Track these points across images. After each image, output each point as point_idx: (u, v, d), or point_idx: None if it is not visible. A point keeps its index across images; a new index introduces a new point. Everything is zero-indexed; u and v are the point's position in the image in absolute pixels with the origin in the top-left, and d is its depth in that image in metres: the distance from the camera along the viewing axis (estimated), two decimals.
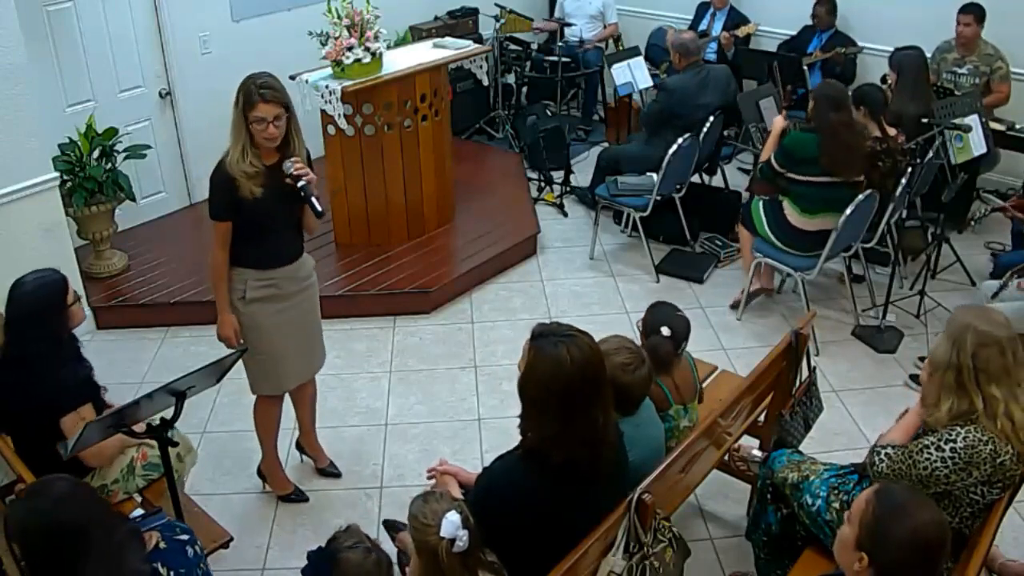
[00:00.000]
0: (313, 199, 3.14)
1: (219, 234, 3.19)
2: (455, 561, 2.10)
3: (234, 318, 3.30)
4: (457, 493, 2.57)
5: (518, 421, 2.32)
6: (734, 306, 5.00)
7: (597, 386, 2.23)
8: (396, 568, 2.20)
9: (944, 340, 2.51)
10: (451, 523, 2.09)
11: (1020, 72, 5.76)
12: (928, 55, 5.64)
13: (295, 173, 3.09)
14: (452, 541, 2.08)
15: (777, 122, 4.73)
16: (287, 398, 3.64)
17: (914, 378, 4.28)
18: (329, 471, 3.86)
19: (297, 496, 3.71)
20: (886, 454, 2.56)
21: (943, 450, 2.46)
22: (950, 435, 2.47)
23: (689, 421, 3.07)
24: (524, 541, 2.29)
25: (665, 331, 2.99)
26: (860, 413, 4.13)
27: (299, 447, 3.91)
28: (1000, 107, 5.67)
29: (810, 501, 2.79)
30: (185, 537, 2.30)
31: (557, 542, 2.29)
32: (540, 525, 2.28)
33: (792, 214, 4.59)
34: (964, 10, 5.58)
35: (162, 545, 2.22)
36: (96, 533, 1.98)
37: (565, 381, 2.17)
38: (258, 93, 3.01)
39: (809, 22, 6.54)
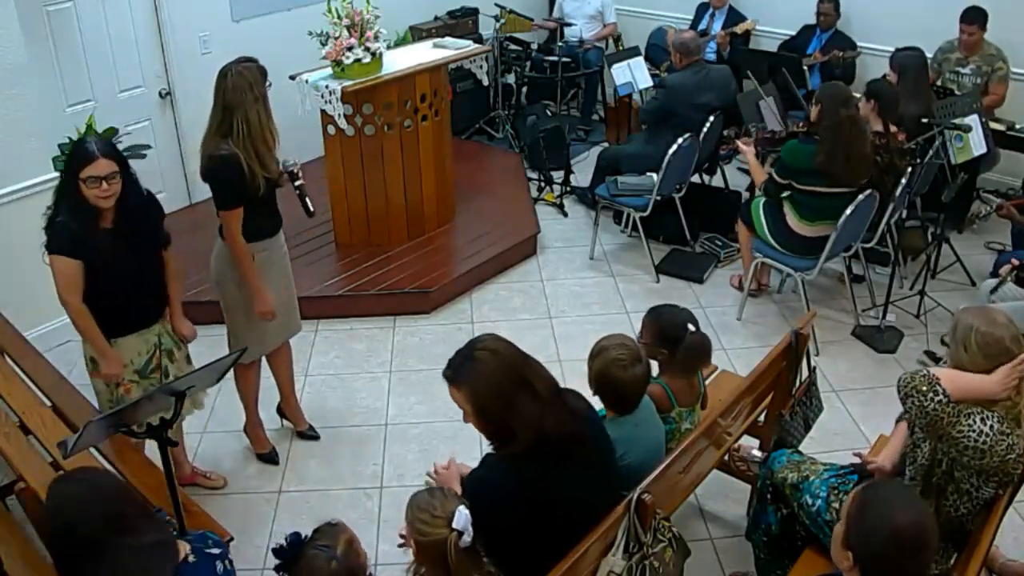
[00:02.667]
0: (307, 199, 3.45)
1: (236, 220, 3.35)
2: (463, 556, 2.10)
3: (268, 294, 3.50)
4: (458, 490, 2.57)
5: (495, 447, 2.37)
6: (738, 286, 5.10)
7: (522, 360, 2.32)
8: None
9: (952, 344, 2.57)
10: (464, 515, 2.09)
11: (1015, 71, 5.76)
12: (929, 55, 5.64)
13: (296, 171, 3.40)
14: (461, 534, 2.08)
15: (746, 150, 4.86)
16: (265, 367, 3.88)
17: None
18: (309, 434, 4.05)
19: (271, 457, 3.92)
20: (939, 401, 2.45)
21: (986, 423, 2.44)
22: (993, 414, 2.47)
23: (691, 424, 3.07)
24: (520, 538, 2.28)
25: (691, 327, 2.99)
26: (860, 413, 4.13)
27: (280, 412, 4.07)
28: (996, 108, 5.67)
29: (810, 501, 2.80)
30: (217, 551, 2.22)
31: (553, 533, 2.29)
32: (533, 517, 2.27)
33: (792, 219, 4.59)
34: (968, 20, 5.56)
35: (191, 559, 2.14)
36: (114, 540, 1.93)
37: (512, 364, 2.26)
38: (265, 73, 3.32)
39: (809, 22, 6.54)
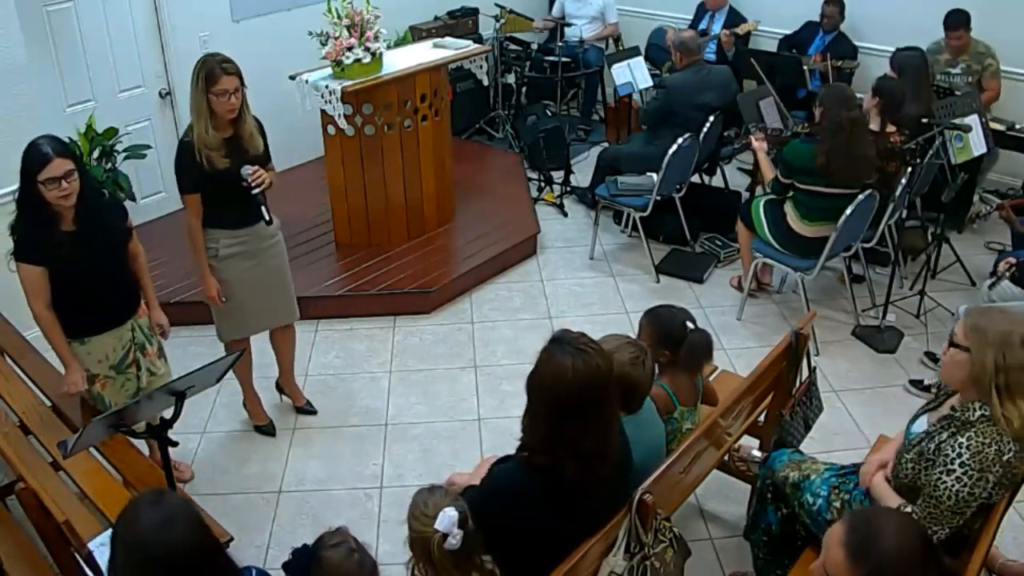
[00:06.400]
0: (263, 209, 3.49)
1: (192, 205, 3.52)
2: (446, 557, 2.09)
3: (215, 280, 3.61)
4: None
5: (520, 417, 2.31)
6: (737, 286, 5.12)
7: (595, 404, 2.18)
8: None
9: (986, 350, 2.40)
10: (448, 517, 2.07)
11: (1014, 71, 5.76)
12: None
13: (251, 182, 3.44)
14: (445, 536, 2.07)
15: (757, 146, 4.88)
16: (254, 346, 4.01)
17: (914, 382, 4.27)
18: (306, 409, 4.21)
19: (269, 429, 4.08)
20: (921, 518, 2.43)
21: (953, 471, 2.40)
22: (950, 453, 2.43)
23: (692, 423, 3.07)
24: (525, 545, 2.28)
25: (690, 325, 2.99)
26: (860, 413, 4.13)
27: (279, 388, 4.23)
28: (993, 104, 5.67)
29: (811, 500, 2.79)
30: None
31: (556, 549, 2.28)
32: (540, 531, 2.27)
33: (793, 219, 4.59)
34: (952, 26, 5.58)
35: None
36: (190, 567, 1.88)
37: (564, 391, 2.14)
38: (220, 67, 3.33)
39: (811, 18, 6.53)
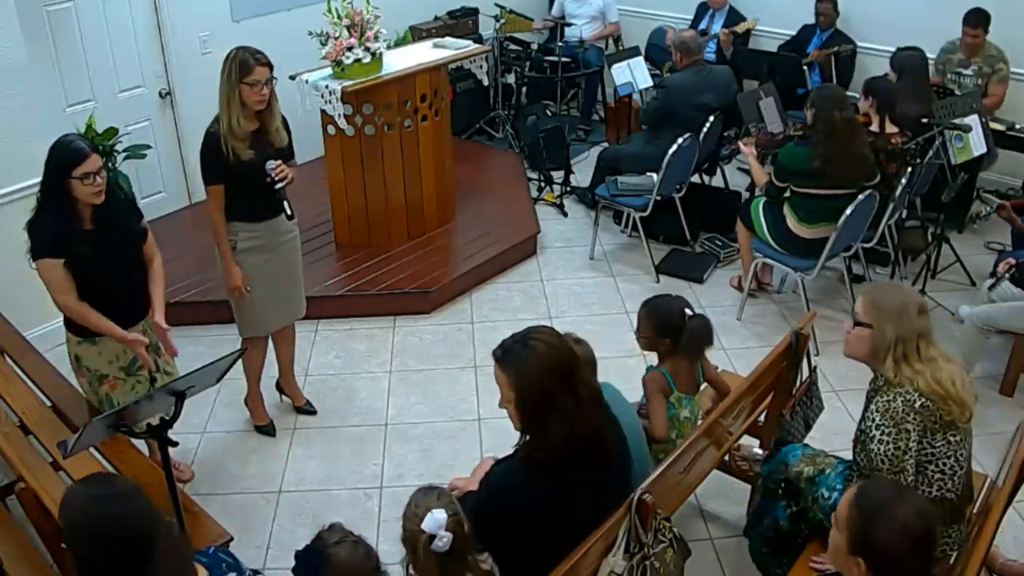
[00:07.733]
0: (285, 203, 3.51)
1: (215, 197, 3.53)
2: (431, 559, 2.09)
3: (239, 269, 3.60)
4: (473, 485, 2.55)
5: (522, 438, 2.32)
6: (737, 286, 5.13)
7: (571, 372, 2.28)
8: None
9: (885, 322, 2.57)
10: (434, 519, 2.07)
11: (1016, 71, 5.76)
12: (930, 55, 5.64)
13: (275, 177, 3.45)
14: (432, 538, 2.07)
15: (747, 151, 4.91)
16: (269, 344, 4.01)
17: None
18: (306, 409, 4.20)
19: (269, 429, 4.07)
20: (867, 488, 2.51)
21: (874, 436, 2.52)
22: (868, 423, 2.57)
23: (689, 412, 3.08)
24: (531, 544, 2.28)
25: (688, 311, 3.01)
26: (860, 413, 4.11)
27: (279, 388, 4.21)
28: (995, 110, 5.66)
29: (826, 494, 2.79)
30: (232, 568, 2.18)
31: (555, 548, 2.28)
32: (538, 531, 2.27)
33: (791, 221, 4.59)
34: (972, 23, 5.53)
35: None
36: (160, 540, 1.88)
37: (563, 362, 2.24)
38: (254, 58, 3.39)
39: (809, 21, 6.54)
